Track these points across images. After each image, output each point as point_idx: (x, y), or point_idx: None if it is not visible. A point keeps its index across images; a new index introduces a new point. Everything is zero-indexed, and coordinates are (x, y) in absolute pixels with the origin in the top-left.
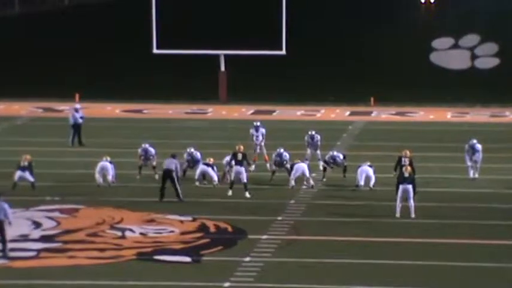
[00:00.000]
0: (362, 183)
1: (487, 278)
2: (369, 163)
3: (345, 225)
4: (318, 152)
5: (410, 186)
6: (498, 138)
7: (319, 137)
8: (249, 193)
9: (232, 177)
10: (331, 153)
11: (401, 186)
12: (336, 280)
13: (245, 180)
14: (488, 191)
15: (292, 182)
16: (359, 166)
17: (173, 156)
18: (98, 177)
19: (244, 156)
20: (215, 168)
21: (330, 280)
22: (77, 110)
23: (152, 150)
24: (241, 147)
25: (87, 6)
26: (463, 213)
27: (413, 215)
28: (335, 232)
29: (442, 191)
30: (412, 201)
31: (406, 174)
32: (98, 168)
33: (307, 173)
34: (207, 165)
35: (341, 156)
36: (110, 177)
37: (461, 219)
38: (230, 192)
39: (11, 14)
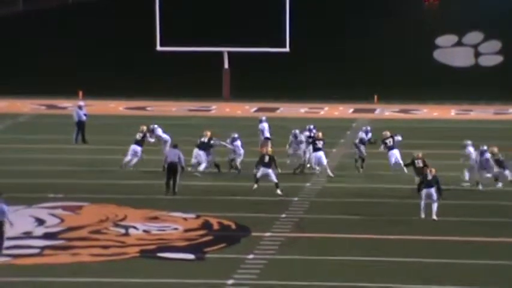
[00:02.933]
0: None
1: (497, 276)
2: (399, 136)
3: (349, 222)
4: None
5: (433, 190)
6: (501, 136)
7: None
8: (281, 190)
9: (259, 175)
10: (358, 134)
11: (424, 190)
12: (339, 278)
13: (275, 180)
14: (491, 188)
15: (316, 167)
16: (390, 148)
17: (175, 146)
18: (129, 157)
19: (271, 158)
20: (210, 156)
21: (334, 278)
22: (80, 107)
23: (159, 129)
24: (269, 149)
25: (90, 4)
26: (466, 210)
27: (434, 217)
28: (338, 229)
29: (446, 189)
30: (436, 204)
31: (430, 177)
32: (130, 151)
33: (324, 162)
34: (200, 147)
35: (369, 135)
36: (135, 161)
37: (465, 217)
38: (255, 186)
39: (14, 12)
